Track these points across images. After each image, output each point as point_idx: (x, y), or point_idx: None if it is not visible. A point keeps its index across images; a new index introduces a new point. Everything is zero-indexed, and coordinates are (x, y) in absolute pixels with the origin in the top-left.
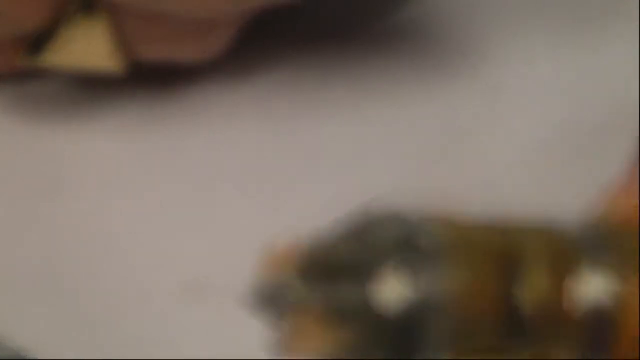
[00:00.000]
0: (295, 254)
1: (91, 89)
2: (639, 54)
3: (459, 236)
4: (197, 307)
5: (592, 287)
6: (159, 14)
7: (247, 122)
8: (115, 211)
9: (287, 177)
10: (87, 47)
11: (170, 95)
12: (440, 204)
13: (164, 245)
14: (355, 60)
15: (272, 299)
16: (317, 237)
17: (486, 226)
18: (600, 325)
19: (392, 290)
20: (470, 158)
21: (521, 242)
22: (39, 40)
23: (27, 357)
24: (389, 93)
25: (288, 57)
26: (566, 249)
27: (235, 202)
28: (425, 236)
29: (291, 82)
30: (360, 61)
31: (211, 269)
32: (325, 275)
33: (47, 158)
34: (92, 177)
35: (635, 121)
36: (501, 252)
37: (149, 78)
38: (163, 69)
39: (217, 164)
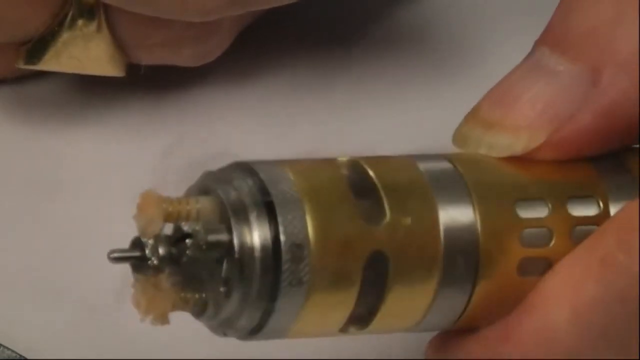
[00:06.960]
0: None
1: (91, 90)
2: (638, 54)
3: (313, 181)
4: None
5: (450, 216)
6: (158, 19)
7: (247, 122)
8: (114, 211)
9: None
10: (87, 52)
11: (170, 95)
12: None
13: None
14: (355, 61)
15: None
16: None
17: (336, 165)
18: (463, 253)
19: (256, 234)
20: None
21: (376, 177)
22: (39, 45)
23: (27, 357)
24: (389, 93)
25: (288, 58)
26: (421, 182)
27: None
28: (279, 185)
29: (291, 82)
30: (360, 62)
31: None
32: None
33: (47, 158)
34: (92, 177)
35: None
36: (355, 190)
37: (149, 79)
38: (163, 69)
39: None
